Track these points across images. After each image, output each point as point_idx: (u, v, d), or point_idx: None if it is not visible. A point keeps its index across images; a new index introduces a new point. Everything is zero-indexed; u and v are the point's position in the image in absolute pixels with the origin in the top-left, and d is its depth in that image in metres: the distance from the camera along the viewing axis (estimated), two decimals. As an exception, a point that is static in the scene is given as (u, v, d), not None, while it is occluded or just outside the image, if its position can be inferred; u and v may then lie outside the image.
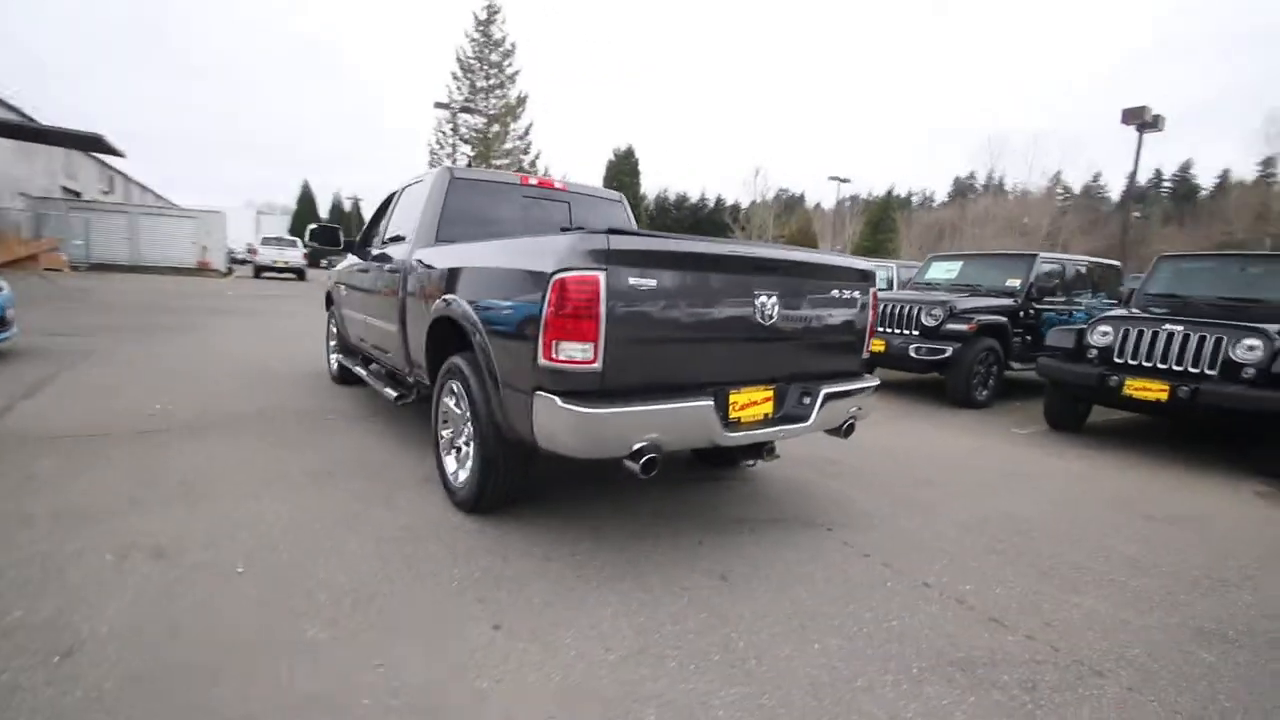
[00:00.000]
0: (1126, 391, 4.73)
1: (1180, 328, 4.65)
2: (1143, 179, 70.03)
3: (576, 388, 2.16)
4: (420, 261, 3.52)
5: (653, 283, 2.23)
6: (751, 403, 2.61)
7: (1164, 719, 1.79)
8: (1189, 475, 4.41)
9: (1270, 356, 4.27)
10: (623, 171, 42.99)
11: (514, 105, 26.69)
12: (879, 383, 3.21)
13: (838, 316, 2.89)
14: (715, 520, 3.04)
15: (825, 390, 2.78)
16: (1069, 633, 2.21)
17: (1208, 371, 4.48)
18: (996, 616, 2.29)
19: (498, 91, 26.83)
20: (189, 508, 2.80)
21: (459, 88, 26.88)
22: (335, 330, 5.64)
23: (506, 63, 26.71)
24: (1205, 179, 59.20)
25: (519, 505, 2.97)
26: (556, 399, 2.15)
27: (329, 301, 5.99)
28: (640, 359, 2.26)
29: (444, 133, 26.81)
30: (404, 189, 4.42)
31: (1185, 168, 63.31)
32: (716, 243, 2.47)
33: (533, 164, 27.01)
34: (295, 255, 24.21)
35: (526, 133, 27.09)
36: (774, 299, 2.57)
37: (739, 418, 2.55)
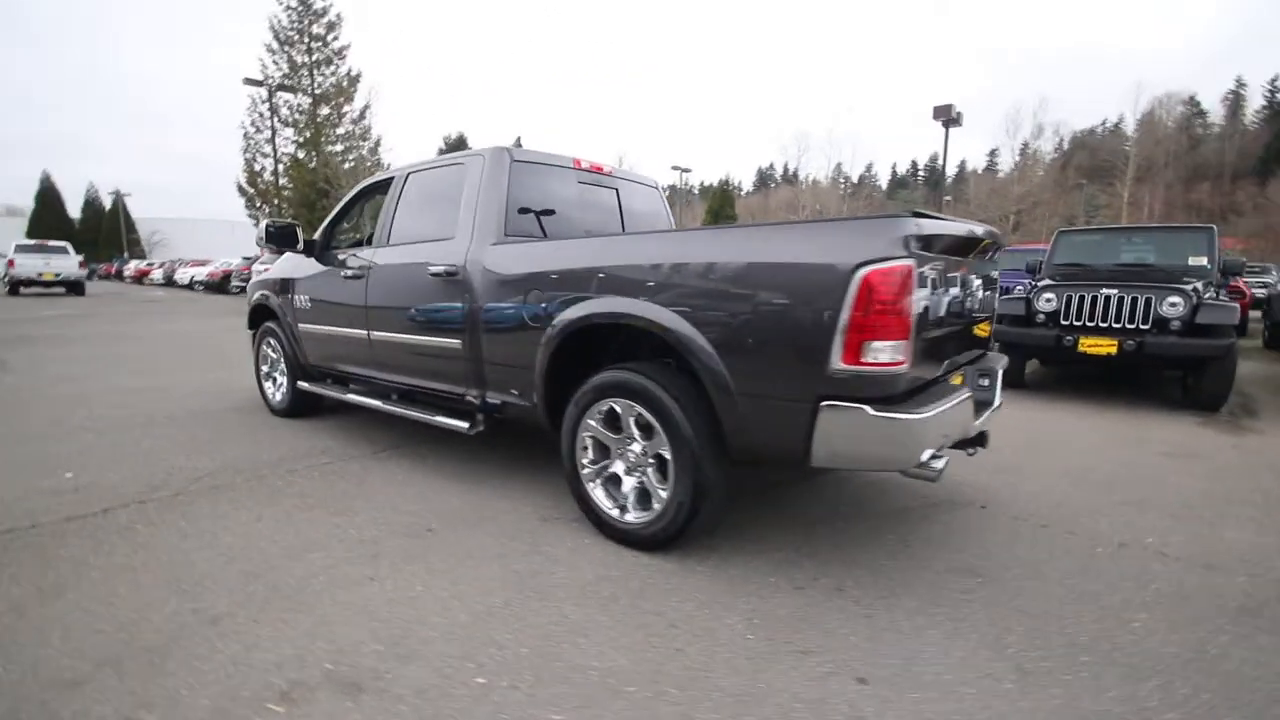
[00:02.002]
0: (1081, 349, 5.43)
1: (1115, 290, 5.44)
2: (902, 170, 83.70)
3: (885, 393, 1.91)
4: (499, 263, 2.92)
5: (933, 270, 2.03)
6: (958, 389, 2.53)
7: None
8: (1139, 415, 5.19)
9: (1191, 311, 5.16)
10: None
11: (346, 85, 23.74)
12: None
13: (990, 296, 2.91)
14: (887, 516, 2.92)
15: (999, 369, 2.79)
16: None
17: (1141, 326, 5.29)
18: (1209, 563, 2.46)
19: (325, 69, 23.64)
20: (297, 617, 2.05)
21: (275, 62, 23.24)
22: (281, 352, 4.56)
23: (331, 36, 23.55)
24: (949, 168, 71.59)
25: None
26: (867, 408, 1.87)
27: (259, 318, 4.83)
28: (920, 355, 2.06)
29: (261, 114, 23.07)
30: (407, 176, 3.65)
31: (934, 159, 76.26)
32: (969, 224, 2.34)
33: (373, 150, 24.35)
34: (69, 265, 19.54)
35: (363, 115, 24.26)
36: (979, 281, 2.51)
37: None
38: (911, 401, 1.96)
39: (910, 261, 1.84)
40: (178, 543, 2.56)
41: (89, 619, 1.99)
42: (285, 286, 4.44)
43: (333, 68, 23.83)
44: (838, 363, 1.89)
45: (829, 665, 1.79)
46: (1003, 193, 46.50)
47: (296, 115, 23.57)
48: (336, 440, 4.10)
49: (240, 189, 24.13)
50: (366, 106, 24.46)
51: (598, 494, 2.60)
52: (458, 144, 41.53)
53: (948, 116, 19.13)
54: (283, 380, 4.66)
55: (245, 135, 23.67)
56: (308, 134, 23.45)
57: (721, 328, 2.12)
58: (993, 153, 66.34)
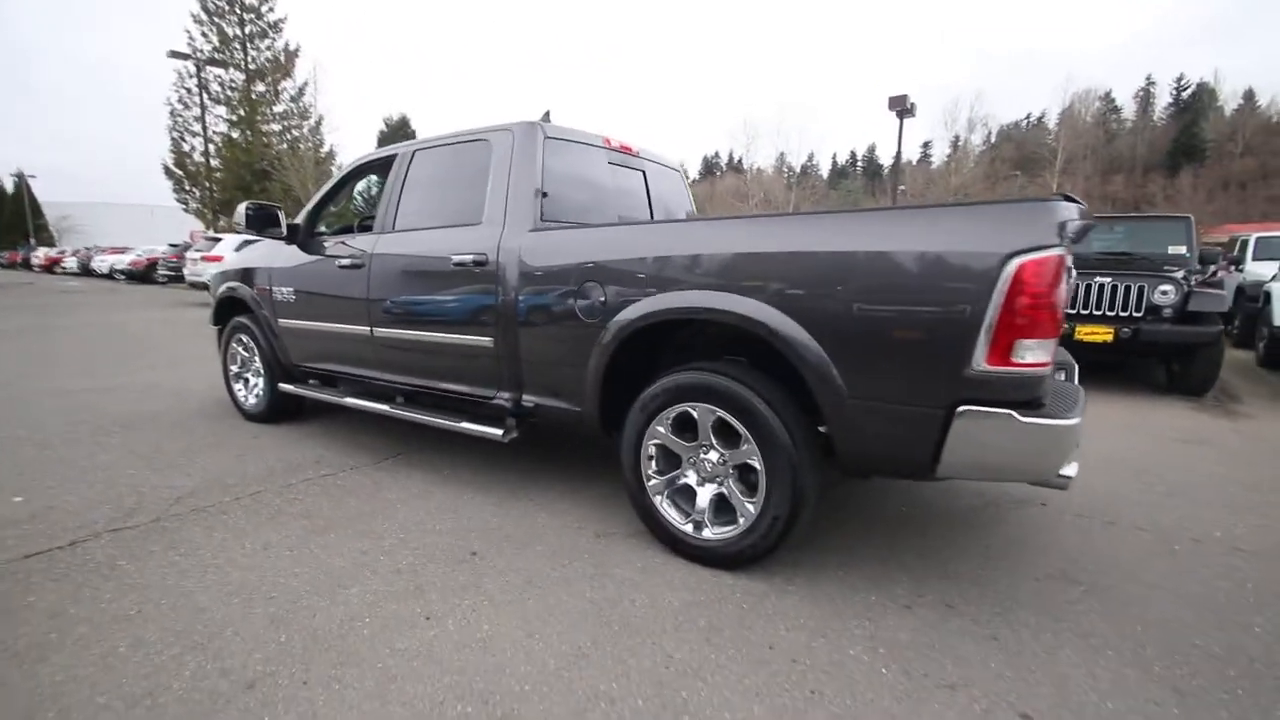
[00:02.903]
0: (1077, 337, 5.50)
1: (1109, 279, 5.52)
2: (841, 160, 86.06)
3: (1030, 396, 1.73)
4: (540, 252, 2.61)
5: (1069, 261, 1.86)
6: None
7: None
8: (1134, 401, 5.30)
9: (1183, 298, 5.28)
10: (397, 142, 39.02)
11: (283, 60, 22.16)
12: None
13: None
14: (956, 517, 2.79)
15: (1072, 361, 2.68)
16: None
17: (1135, 314, 5.40)
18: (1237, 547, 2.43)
19: (259, 42, 21.99)
20: (354, 674, 1.73)
21: (204, 34, 21.44)
22: (256, 350, 4.08)
23: (266, 8, 21.90)
24: (885, 158, 74.04)
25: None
26: (1015, 414, 1.69)
27: (227, 312, 4.31)
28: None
29: (188, 89, 21.28)
30: (413, 155, 3.26)
31: (871, 149, 79.02)
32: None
33: (314, 130, 22.89)
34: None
35: (301, 93, 22.73)
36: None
37: None
38: (1051, 405, 1.79)
39: (1062, 250, 1.66)
40: (176, 581, 2.17)
41: (88, 691, 1.62)
42: (260, 277, 3.96)
43: (268, 41, 22.32)
44: (980, 364, 1.70)
45: (984, 701, 1.61)
46: (939, 183, 48.14)
47: (229, 92, 21.93)
48: (329, 448, 3.69)
49: (167, 170, 22.36)
50: (305, 84, 22.98)
51: (667, 509, 2.35)
52: (399, 126, 39.79)
53: (902, 107, 19.48)
54: (258, 382, 4.18)
55: (172, 113, 21.97)
56: (241, 112, 21.85)
57: (834, 326, 1.90)
58: (926, 144, 69.13)
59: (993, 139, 58.95)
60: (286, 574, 2.22)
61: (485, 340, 2.78)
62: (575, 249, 2.50)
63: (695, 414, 2.23)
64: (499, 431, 2.77)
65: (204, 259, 13.17)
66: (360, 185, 3.91)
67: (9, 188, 52.44)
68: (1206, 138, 52.11)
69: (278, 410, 4.11)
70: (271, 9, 22.11)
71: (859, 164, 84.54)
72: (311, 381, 3.89)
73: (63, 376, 5.59)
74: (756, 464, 2.12)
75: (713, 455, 2.26)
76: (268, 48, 22.25)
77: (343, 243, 3.50)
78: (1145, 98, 61.61)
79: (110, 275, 23.80)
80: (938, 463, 1.82)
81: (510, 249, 2.68)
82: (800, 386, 2.01)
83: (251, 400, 4.22)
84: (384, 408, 3.29)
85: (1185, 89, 60.06)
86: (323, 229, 3.92)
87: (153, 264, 21.27)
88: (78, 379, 5.49)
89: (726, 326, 2.12)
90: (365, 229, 3.87)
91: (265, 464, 3.39)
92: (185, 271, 14.62)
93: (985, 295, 1.67)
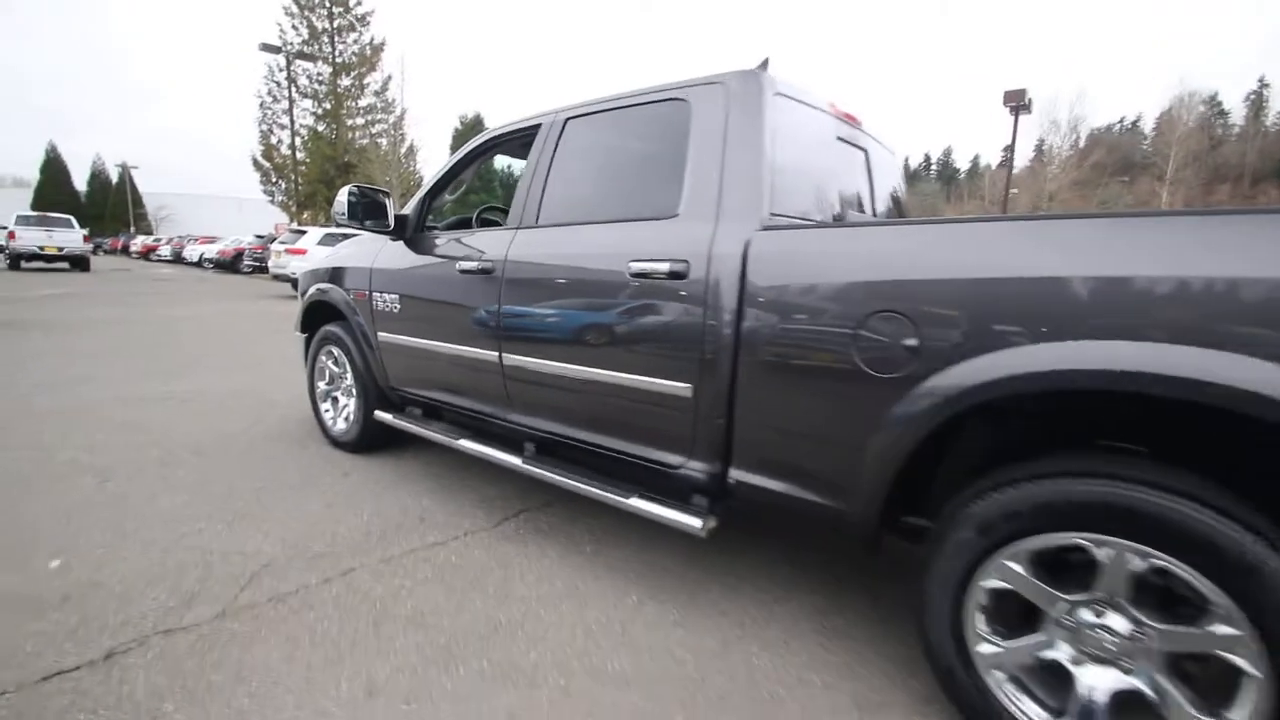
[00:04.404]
0: None
1: None
2: (914, 163, 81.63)
3: None
4: (785, 260, 1.72)
5: None
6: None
7: None
8: None
9: None
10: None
11: (369, 53, 22.31)
12: None
13: None
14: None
15: None
16: None
17: None
18: None
19: (346, 35, 22.21)
20: None
21: (294, 27, 21.81)
22: (349, 367, 3.38)
23: (354, 1, 22.17)
24: (961, 163, 70.13)
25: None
26: None
27: (316, 318, 3.64)
28: None
29: (278, 83, 21.67)
30: (565, 124, 2.43)
31: (947, 153, 75.02)
32: None
33: (396, 125, 22.93)
34: (73, 239, 18.35)
35: (385, 87, 22.83)
36: None
37: None
38: None
39: None
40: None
41: None
42: (357, 278, 3.24)
43: (355, 35, 22.48)
44: None
45: None
46: (1029, 189, 44.78)
47: (316, 85, 22.23)
48: (433, 496, 2.93)
49: (255, 163, 22.89)
50: (389, 78, 23.07)
51: (1011, 696, 1.42)
52: (473, 124, 40.10)
53: (1019, 102, 17.73)
54: (349, 403, 3.48)
55: (261, 105, 22.42)
56: (328, 105, 22.10)
57: None
58: (1007, 149, 64.51)
59: (1081, 143, 54.65)
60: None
61: (677, 385, 1.91)
62: (857, 258, 1.60)
63: (1096, 553, 1.29)
64: (696, 522, 1.89)
65: (287, 251, 13.07)
66: (487, 167, 3.12)
67: (114, 178, 56.09)
68: (1329, 144, 46.76)
69: (370, 438, 3.40)
70: (359, 2, 22.31)
71: (934, 167, 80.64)
72: (414, 410, 3.15)
73: (139, 379, 5.12)
74: (1244, 663, 1.16)
75: (1118, 622, 1.31)
76: (355, 41, 22.45)
77: (460, 240, 2.73)
78: (1257, 102, 55.83)
79: (200, 263, 24.69)
80: None
81: (726, 255, 1.80)
82: None
83: (340, 425, 3.53)
84: (512, 460, 2.48)
85: None
86: (435, 223, 3.18)
87: (239, 254, 21.80)
88: (154, 382, 5.01)
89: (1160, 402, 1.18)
90: (488, 223, 3.12)
91: (358, 520, 2.65)
92: (269, 264, 14.62)
93: None
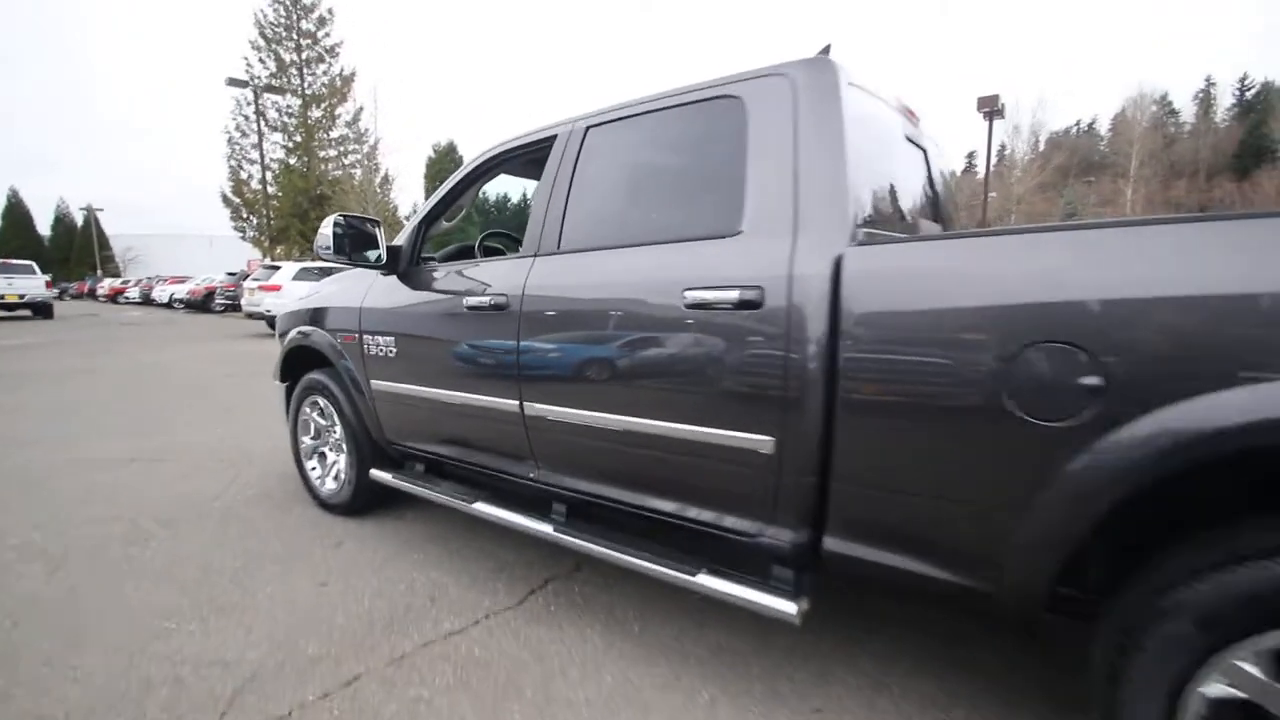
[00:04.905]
0: None
1: None
2: None
3: None
4: (891, 281, 1.39)
5: None
6: None
7: None
8: None
9: None
10: (444, 171, 38.98)
11: (339, 84, 21.95)
12: None
13: None
14: None
15: None
16: None
17: None
18: None
19: (315, 67, 21.85)
20: None
21: (261, 60, 21.40)
22: (338, 419, 2.98)
23: (323, 33, 21.79)
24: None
25: None
26: None
27: (298, 365, 3.24)
28: None
29: (246, 117, 21.19)
30: (585, 133, 2.10)
31: None
32: None
33: (369, 155, 22.54)
34: (35, 285, 17.61)
35: (356, 118, 22.48)
36: None
37: None
38: None
39: None
40: None
41: None
42: (343, 319, 2.87)
43: (324, 66, 22.17)
44: None
45: None
46: (1002, 193, 45.58)
47: (285, 118, 21.80)
48: (442, 568, 2.54)
49: (225, 199, 22.30)
50: (361, 108, 22.74)
51: None
52: (447, 152, 39.84)
53: (992, 108, 17.93)
54: (338, 460, 3.08)
55: (230, 141, 21.89)
56: (298, 138, 21.67)
57: None
58: (971, 155, 65.56)
59: (1040, 146, 55.79)
60: None
61: (752, 437, 1.57)
62: (1004, 277, 1.27)
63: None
64: (788, 607, 1.53)
65: (261, 288, 12.57)
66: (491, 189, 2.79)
67: (79, 221, 54.77)
68: (1276, 138, 48.32)
69: (365, 500, 3.00)
70: (328, 34, 21.99)
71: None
72: (414, 465, 2.76)
73: (101, 438, 4.64)
74: None
75: None
76: (324, 73, 22.12)
77: (463, 272, 2.39)
78: (1205, 99, 57.73)
79: (170, 304, 23.92)
80: None
81: (811, 276, 1.47)
82: None
83: (330, 485, 3.12)
84: (541, 528, 2.11)
85: (1249, 89, 56.09)
86: (430, 255, 2.83)
87: (210, 293, 21.14)
88: (118, 441, 4.53)
89: None
90: (492, 251, 2.78)
91: (358, 604, 2.25)
92: (242, 301, 14.08)
93: None
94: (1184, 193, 48.63)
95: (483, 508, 2.31)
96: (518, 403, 2.12)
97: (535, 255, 2.12)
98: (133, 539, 2.84)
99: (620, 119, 2.03)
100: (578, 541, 1.98)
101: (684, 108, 1.87)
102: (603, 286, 1.89)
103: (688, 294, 1.65)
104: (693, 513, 1.79)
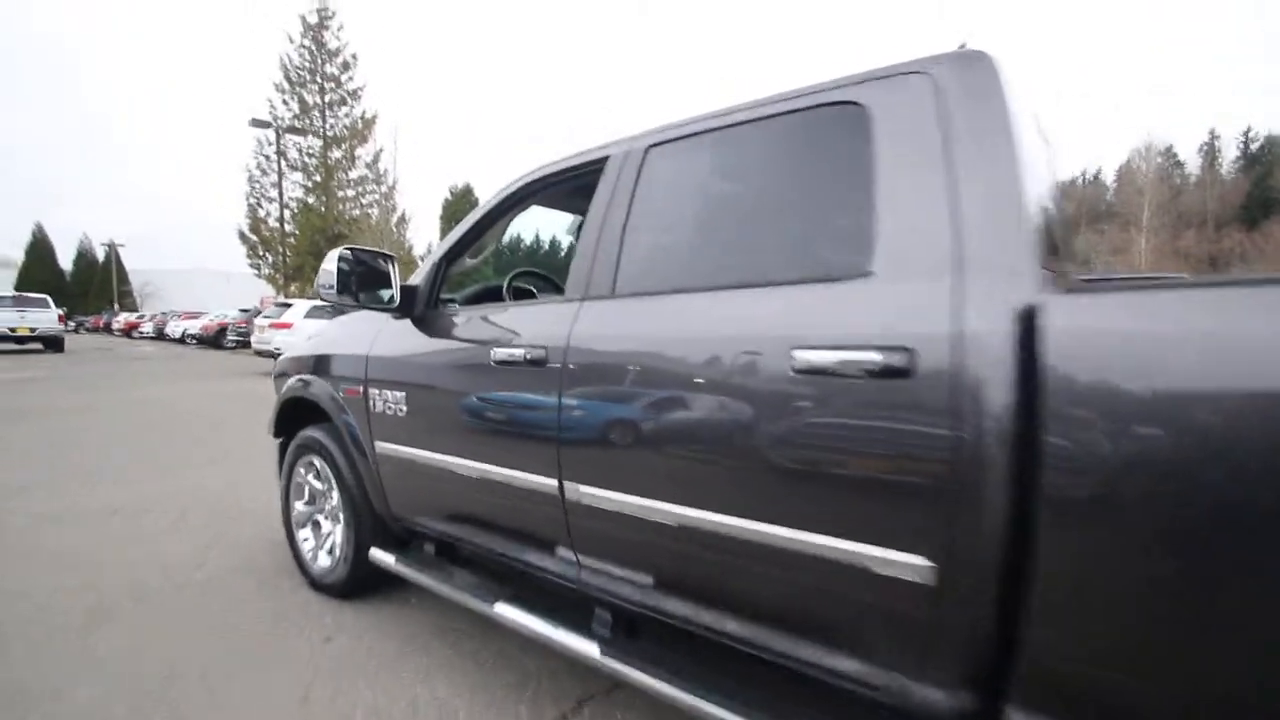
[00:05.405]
0: None
1: None
2: None
3: None
4: (1125, 342, 0.97)
5: None
6: None
7: None
8: None
9: None
10: (461, 212, 39.51)
11: (360, 127, 22.28)
12: None
13: None
14: None
15: None
16: None
17: None
18: None
19: (338, 110, 22.23)
20: None
21: (285, 102, 21.80)
22: (336, 485, 2.56)
23: (346, 76, 22.25)
24: None
25: None
26: None
27: (294, 419, 2.83)
28: None
29: (267, 156, 21.46)
30: (645, 154, 1.73)
31: None
32: None
33: (387, 196, 22.72)
34: (47, 319, 17.54)
35: (376, 159, 22.73)
36: None
37: None
38: None
39: None
40: None
41: None
42: (346, 367, 2.47)
43: (347, 109, 22.50)
44: None
45: None
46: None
47: (306, 158, 22.07)
48: (449, 671, 2.07)
49: (242, 236, 22.42)
50: (381, 150, 23.02)
51: None
52: (464, 194, 40.42)
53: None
54: (334, 531, 2.64)
55: (250, 179, 22.09)
56: (318, 177, 21.88)
57: None
58: None
59: (1045, 196, 55.96)
60: None
61: (898, 556, 1.12)
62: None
63: None
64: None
65: (271, 325, 12.33)
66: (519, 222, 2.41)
67: (100, 256, 55.77)
68: (1284, 188, 48.23)
69: (362, 580, 2.55)
70: (351, 78, 22.46)
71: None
72: (424, 546, 2.32)
73: (83, 486, 4.23)
74: None
75: None
76: (346, 115, 22.49)
77: (489, 318, 2.00)
78: (1210, 151, 58.00)
79: (183, 339, 23.87)
80: None
81: (990, 334, 1.05)
82: None
83: (323, 561, 2.67)
84: (584, 648, 1.64)
85: (1253, 141, 56.31)
86: (450, 296, 2.45)
87: (222, 329, 21.04)
88: (101, 489, 4.13)
89: None
90: (523, 293, 2.40)
91: (348, 732, 1.78)
92: (252, 339, 13.84)
93: None
94: (1193, 242, 48.50)
95: (506, 611, 1.85)
96: (556, 481, 1.68)
97: (582, 299, 1.72)
98: (96, 616, 2.42)
99: (691, 135, 1.66)
100: (636, 675, 1.51)
101: (778, 118, 1.49)
102: (675, 341, 1.48)
103: (797, 355, 1.23)
104: (794, 648, 1.33)
